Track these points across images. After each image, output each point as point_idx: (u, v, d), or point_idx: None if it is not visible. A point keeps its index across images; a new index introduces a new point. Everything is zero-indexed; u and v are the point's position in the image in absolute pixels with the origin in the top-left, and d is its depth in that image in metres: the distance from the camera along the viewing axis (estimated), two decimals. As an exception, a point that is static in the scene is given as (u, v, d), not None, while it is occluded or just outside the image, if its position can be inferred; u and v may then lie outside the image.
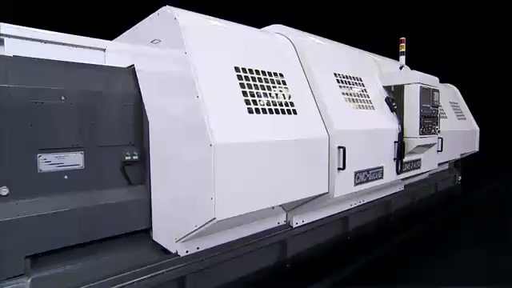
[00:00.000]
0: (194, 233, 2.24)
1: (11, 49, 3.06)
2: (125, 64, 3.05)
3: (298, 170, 2.52)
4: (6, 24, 3.02)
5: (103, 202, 2.59)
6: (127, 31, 3.11)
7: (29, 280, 2.18)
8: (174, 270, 2.31)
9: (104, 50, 3.59)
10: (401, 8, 9.16)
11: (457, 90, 6.38)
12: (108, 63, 3.50)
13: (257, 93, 2.41)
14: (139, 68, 2.78)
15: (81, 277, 2.21)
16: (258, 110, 2.34)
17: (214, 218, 2.01)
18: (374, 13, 9.30)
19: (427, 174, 4.96)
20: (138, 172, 2.83)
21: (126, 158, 2.74)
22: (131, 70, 2.89)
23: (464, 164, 6.85)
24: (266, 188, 2.29)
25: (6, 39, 3.03)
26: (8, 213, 2.18)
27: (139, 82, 2.78)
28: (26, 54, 2.72)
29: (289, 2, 8.92)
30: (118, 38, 3.30)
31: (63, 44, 3.35)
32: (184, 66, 2.14)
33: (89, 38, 3.50)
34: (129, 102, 2.78)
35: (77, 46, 3.43)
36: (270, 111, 2.43)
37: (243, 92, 2.31)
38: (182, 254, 2.40)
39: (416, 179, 4.92)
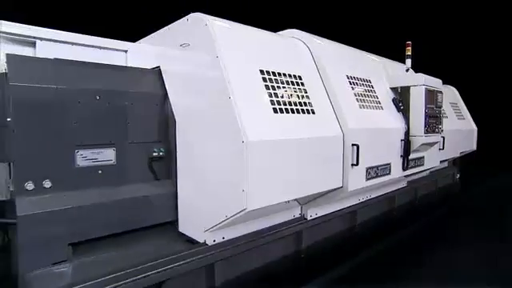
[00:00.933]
0: (223, 223, 2.43)
1: (42, 51, 3.21)
2: (146, 65, 3.21)
3: (317, 166, 2.72)
4: (37, 27, 3.17)
5: (133, 195, 2.76)
6: (152, 34, 3.28)
7: (71, 266, 2.35)
8: (203, 258, 2.50)
9: (126, 51, 3.75)
10: (401, 11, 9.40)
11: (456, 91, 6.63)
12: (129, 64, 3.67)
13: (280, 94, 2.60)
14: (165, 69, 2.96)
15: (115, 264, 2.37)
16: (281, 110, 2.53)
17: (245, 209, 2.20)
18: (374, 14, 9.54)
19: (428, 171, 5.20)
20: (163, 167, 3.01)
21: (154, 154, 2.93)
22: (157, 70, 3.06)
23: (462, 162, 7.12)
24: (289, 181, 2.49)
25: (37, 42, 3.19)
26: (51, 204, 2.35)
27: (165, 83, 2.96)
28: (55, 56, 2.89)
29: (296, 6, 9.12)
30: (141, 40, 3.47)
31: (88, 46, 3.51)
32: (216, 69, 2.33)
33: (112, 40, 3.65)
34: (156, 101, 2.96)
35: (100, 47, 3.59)
36: (292, 111, 2.63)
37: (268, 93, 2.51)
38: (210, 243, 2.59)
39: (417, 176, 5.15)
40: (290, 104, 2.64)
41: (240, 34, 2.69)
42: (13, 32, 3.02)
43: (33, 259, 2.21)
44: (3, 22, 2.98)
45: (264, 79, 2.54)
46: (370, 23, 9.19)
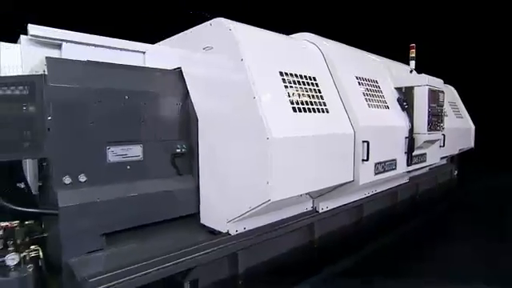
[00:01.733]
0: (246, 214, 2.63)
1: (67, 52, 3.37)
2: (164, 66, 3.37)
3: (331, 161, 2.93)
4: (62, 30, 3.32)
5: (158, 190, 2.94)
6: (172, 37, 3.45)
7: (105, 254, 2.53)
8: (228, 247, 2.69)
9: (144, 52, 3.92)
10: (400, 12, 9.65)
11: (454, 91, 6.88)
12: (147, 65, 3.84)
13: (297, 94, 2.80)
14: (187, 71, 3.13)
15: (145, 253, 2.55)
16: (299, 109, 2.73)
17: (269, 200, 2.40)
18: (374, 15, 9.77)
19: (428, 168, 5.43)
20: (185, 163, 3.19)
21: (177, 150, 3.11)
22: (178, 71, 3.24)
23: (459, 160, 7.38)
24: (307, 175, 2.69)
25: (63, 44, 3.34)
26: (86, 197, 2.53)
27: (187, 83, 3.14)
28: (79, 57, 3.05)
29: (303, 9, 9.32)
30: (161, 42, 3.64)
31: (109, 47, 3.66)
32: (241, 71, 2.51)
33: (131, 42, 3.82)
34: (178, 100, 3.14)
35: (120, 48, 3.75)
36: (308, 110, 2.82)
37: (287, 93, 2.70)
38: (233, 233, 2.78)
39: (418, 173, 5.39)
40: (306, 103, 2.84)
41: (260, 37, 2.88)
42: (41, 35, 3.18)
43: (72, 247, 2.38)
44: (32, 25, 3.15)
45: (283, 80, 2.74)
46: (370, 24, 9.42)
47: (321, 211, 3.47)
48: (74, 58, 2.97)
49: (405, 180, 5.02)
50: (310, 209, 3.49)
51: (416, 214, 5.03)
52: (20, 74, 3.19)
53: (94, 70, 2.75)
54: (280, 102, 2.61)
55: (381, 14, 9.62)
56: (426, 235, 4.15)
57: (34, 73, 3.02)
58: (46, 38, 3.22)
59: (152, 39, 3.78)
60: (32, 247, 2.07)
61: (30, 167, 3.07)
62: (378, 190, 4.34)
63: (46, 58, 2.58)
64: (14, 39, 3.36)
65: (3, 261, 1.86)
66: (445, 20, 9.97)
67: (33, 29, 3.13)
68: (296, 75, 2.89)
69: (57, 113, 2.46)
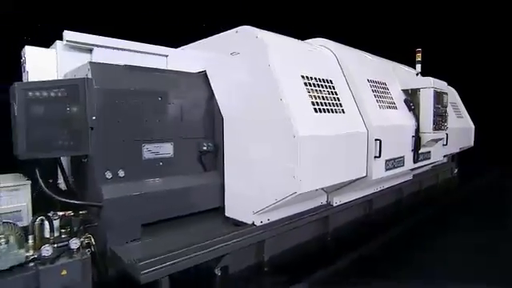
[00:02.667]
0: (271, 206, 2.87)
1: (97, 56, 3.59)
2: (186, 69, 3.57)
3: (348, 157, 3.17)
4: (94, 35, 3.54)
5: (186, 184, 3.16)
6: (195, 43, 3.68)
7: (143, 243, 2.75)
8: (254, 236, 2.92)
9: (166, 56, 4.14)
10: (402, 15, 9.95)
11: (455, 92, 7.16)
12: (170, 68, 4.06)
13: (317, 96, 3.04)
14: (212, 74, 3.36)
15: (178, 242, 2.76)
16: (320, 110, 2.97)
17: (296, 192, 2.64)
18: (376, 17, 10.06)
19: (430, 166, 5.71)
20: (210, 160, 3.42)
21: (203, 148, 3.34)
22: (203, 74, 3.46)
23: (459, 158, 7.68)
24: (327, 170, 2.94)
25: (95, 48, 3.56)
26: (125, 190, 2.75)
27: (212, 86, 3.37)
28: (108, 61, 3.26)
29: (313, 13, 9.59)
30: (184, 46, 3.86)
31: (135, 51, 3.88)
32: (268, 75, 2.75)
33: (154, 46, 4.04)
34: (205, 101, 3.37)
35: (145, 52, 3.97)
36: (328, 110, 3.07)
37: (309, 95, 2.95)
38: (258, 223, 3.02)
39: (421, 170, 5.65)
40: (325, 105, 3.08)
41: (282, 43, 3.12)
42: (75, 40, 3.42)
43: (115, 236, 2.61)
44: (67, 32, 3.37)
45: (305, 83, 2.98)
46: (374, 28, 9.71)
47: (335, 205, 3.72)
48: (104, 62, 3.20)
49: (409, 177, 5.29)
50: (324, 203, 3.73)
51: (420, 208, 5.29)
52: (55, 76, 3.43)
53: (131, 73, 2.97)
54: (303, 103, 2.85)
55: (385, 18, 9.91)
56: (430, 227, 4.40)
57: (69, 75, 3.25)
58: (79, 43, 3.45)
59: (151, 39, 3.92)
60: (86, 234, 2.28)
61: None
62: (386, 186, 4.60)
63: (90, 62, 2.79)
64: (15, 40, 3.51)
65: (67, 244, 2.08)
66: (444, 25, 10.28)
67: (68, 35, 3.36)
68: (315, 78, 3.14)
69: (100, 113, 2.68)
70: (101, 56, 3.62)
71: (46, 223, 2.21)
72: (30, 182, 2.81)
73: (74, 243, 2.09)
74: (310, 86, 3.03)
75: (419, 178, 5.69)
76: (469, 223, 4.58)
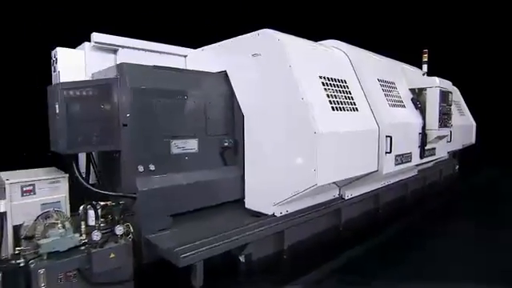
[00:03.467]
0: (292, 197, 3.07)
1: (122, 56, 3.77)
2: (204, 69, 3.75)
3: (361, 152, 3.39)
4: (119, 37, 3.72)
5: (210, 178, 3.37)
6: (215, 44, 3.86)
7: (173, 231, 2.95)
8: (275, 226, 3.13)
9: (185, 56, 4.34)
10: (405, 17, 10.20)
11: (458, 91, 7.37)
12: (188, 67, 4.25)
13: (333, 95, 3.25)
14: (233, 73, 3.56)
15: (206, 231, 2.96)
16: (336, 108, 3.18)
17: (316, 184, 2.85)
18: (383, 20, 10.29)
19: (434, 162, 5.93)
20: (230, 155, 3.62)
21: (225, 144, 3.54)
22: (223, 74, 3.66)
23: (460, 155, 7.91)
24: (343, 164, 3.15)
25: (120, 49, 3.75)
26: (156, 183, 2.95)
27: (233, 85, 3.56)
28: (132, 61, 3.44)
29: (319, 14, 9.78)
30: (204, 47, 4.05)
31: (155, 51, 4.07)
32: (289, 76, 2.95)
33: (174, 46, 4.23)
34: (226, 100, 3.57)
35: (165, 52, 4.16)
36: (343, 109, 3.28)
37: (326, 95, 3.15)
38: (278, 214, 3.23)
39: (425, 166, 5.87)
40: (340, 103, 3.29)
41: (301, 45, 3.32)
42: (101, 41, 3.61)
43: (149, 225, 2.81)
44: (95, 33, 3.55)
45: (322, 83, 3.18)
46: (379, 28, 9.95)
47: (346, 198, 3.93)
48: (128, 62, 3.39)
49: (414, 173, 5.51)
50: (337, 196, 3.95)
51: (424, 201, 5.53)
52: (83, 75, 3.62)
53: (160, 73, 3.16)
54: (321, 102, 3.05)
55: (391, 21, 10.18)
56: (434, 219, 4.65)
57: (98, 75, 3.43)
58: (106, 44, 3.65)
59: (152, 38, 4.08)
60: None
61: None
62: (392, 181, 4.82)
63: (124, 63, 2.98)
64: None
65: (113, 230, 2.29)
66: (445, 26, 10.54)
67: (96, 36, 3.55)
68: (331, 78, 3.34)
69: (133, 110, 2.87)
70: (125, 56, 3.82)
71: (91, 212, 2.41)
72: (67, 175, 3.01)
73: (119, 230, 2.30)
74: (327, 85, 3.23)
75: (423, 174, 5.91)
76: (468, 215, 4.83)
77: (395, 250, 3.58)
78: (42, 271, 1.97)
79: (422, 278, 3.00)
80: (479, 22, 10.56)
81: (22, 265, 1.95)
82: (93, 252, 2.14)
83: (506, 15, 10.21)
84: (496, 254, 3.44)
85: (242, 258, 3.07)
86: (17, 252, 2.10)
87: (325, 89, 3.17)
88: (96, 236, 2.20)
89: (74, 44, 3.81)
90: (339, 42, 4.01)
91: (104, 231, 2.33)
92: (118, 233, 2.29)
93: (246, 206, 3.53)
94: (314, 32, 4.38)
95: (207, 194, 3.33)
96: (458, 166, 7.85)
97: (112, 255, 2.21)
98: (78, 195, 3.19)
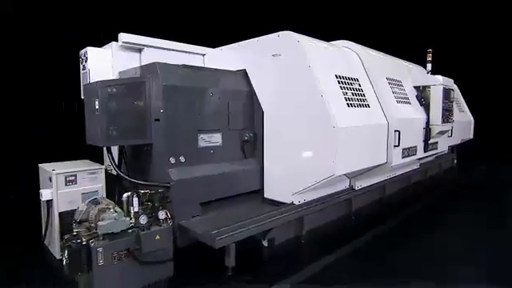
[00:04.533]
0: (311, 186, 3.34)
1: (146, 56, 3.99)
2: (222, 67, 3.96)
3: (372, 145, 3.66)
4: (144, 37, 3.94)
5: (232, 170, 3.62)
6: (234, 44, 4.09)
7: (204, 218, 3.21)
8: (294, 214, 3.40)
9: (204, 55, 4.56)
10: (403, 17, 10.52)
11: (456, 87, 7.67)
12: (206, 65, 4.47)
13: (348, 92, 3.51)
14: (252, 72, 3.79)
15: (231, 218, 3.20)
16: (351, 105, 3.44)
17: (334, 174, 3.12)
18: (384, 21, 10.62)
19: (434, 156, 6.24)
20: (250, 148, 3.88)
21: (245, 138, 3.79)
22: (243, 72, 3.89)
23: (458, 150, 8.25)
24: (357, 156, 3.43)
25: (144, 48, 3.96)
26: (187, 174, 3.20)
27: (252, 82, 3.80)
28: (155, 59, 3.67)
29: (322, 16, 10.02)
30: (223, 47, 4.28)
31: (176, 50, 4.29)
32: (309, 75, 3.20)
33: (193, 45, 4.45)
34: (246, 96, 3.81)
35: (185, 51, 4.37)
36: (356, 105, 3.54)
37: (342, 92, 3.41)
38: (297, 203, 3.49)
39: (426, 160, 6.18)
40: (354, 100, 3.55)
41: (318, 46, 3.57)
42: (128, 41, 3.82)
43: (182, 212, 3.06)
44: (123, 34, 3.77)
45: (338, 82, 3.44)
46: (381, 28, 10.27)
47: (357, 189, 4.21)
48: (151, 60, 3.62)
49: (417, 166, 5.81)
50: (347, 187, 4.22)
51: (426, 192, 5.86)
52: (111, 73, 3.83)
53: (188, 71, 3.40)
54: (338, 99, 3.31)
55: (394, 22, 10.53)
56: (436, 208, 4.98)
57: (124, 74, 3.65)
58: (132, 43, 3.86)
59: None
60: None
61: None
62: (397, 174, 5.11)
63: (157, 63, 3.20)
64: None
65: (156, 215, 2.54)
66: (444, 26, 10.91)
67: (124, 37, 3.77)
68: (345, 77, 3.60)
69: (165, 106, 3.10)
70: (149, 55, 4.04)
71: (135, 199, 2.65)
72: (104, 166, 3.25)
73: (162, 214, 2.55)
74: (342, 83, 3.49)
75: (425, 167, 6.21)
76: (467, 205, 5.15)
77: (402, 235, 3.88)
78: (100, 249, 2.22)
79: (424, 257, 3.31)
80: (477, 22, 10.91)
81: (84, 243, 2.19)
82: (142, 234, 2.38)
83: (504, 15, 10.56)
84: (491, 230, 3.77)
85: (265, 243, 3.33)
86: (74, 233, 2.33)
87: (340, 87, 3.43)
88: (143, 220, 2.44)
89: (75, 44, 4.05)
90: (350, 42, 4.26)
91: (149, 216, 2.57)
92: (160, 217, 2.53)
93: (265, 195, 3.79)
94: (321, 32, 4.62)
95: (230, 185, 3.58)
96: (455, 161, 8.19)
97: (157, 237, 2.46)
98: (110, 185, 3.46)
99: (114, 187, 3.48)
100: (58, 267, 2.95)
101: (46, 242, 3.29)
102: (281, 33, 3.48)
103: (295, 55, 3.33)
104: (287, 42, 3.41)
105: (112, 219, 2.28)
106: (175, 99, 3.20)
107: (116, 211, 2.36)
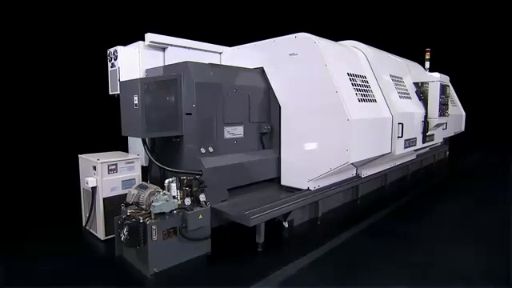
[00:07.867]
0: (325, 174, 3.72)
1: (169, 54, 4.27)
2: (238, 64, 4.29)
3: (379, 136, 4.06)
4: (167, 36, 4.21)
5: (253, 159, 3.96)
6: (251, 43, 4.40)
7: (232, 202, 3.55)
8: (311, 198, 3.78)
9: (220, 53, 4.86)
10: (401, 16, 10.96)
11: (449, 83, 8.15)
12: (223, 63, 4.77)
13: (358, 88, 3.88)
14: (270, 70, 4.13)
15: (258, 202, 3.57)
16: (361, 100, 3.82)
17: (348, 162, 3.50)
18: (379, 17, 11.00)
19: (428, 148, 6.70)
20: (267, 140, 4.23)
21: (264, 130, 4.14)
22: (260, 70, 4.22)
23: (450, 142, 8.77)
24: (367, 145, 3.82)
25: (168, 47, 4.24)
26: (215, 162, 3.53)
27: (269, 79, 4.14)
28: (177, 58, 3.98)
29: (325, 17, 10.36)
30: (240, 46, 4.59)
31: (195, 48, 4.58)
32: (325, 73, 3.56)
33: (211, 44, 4.74)
34: (264, 92, 4.15)
35: (204, 50, 4.66)
36: (365, 100, 3.92)
37: (354, 88, 3.78)
38: (312, 188, 3.87)
39: (422, 151, 6.64)
40: (363, 95, 3.93)
41: (332, 47, 3.92)
42: (154, 40, 4.10)
43: (212, 196, 3.39)
44: (149, 34, 4.04)
45: (350, 79, 3.81)
46: (380, 27, 10.70)
47: (363, 176, 4.61)
48: (173, 59, 3.92)
49: (414, 156, 6.26)
50: (354, 175, 4.62)
51: (423, 180, 6.33)
52: (138, 71, 4.10)
53: (214, 69, 3.71)
54: (351, 95, 3.68)
55: (393, 22, 10.97)
56: (433, 193, 5.44)
57: (152, 72, 3.94)
58: (158, 43, 4.14)
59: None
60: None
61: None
62: (398, 163, 5.54)
63: (189, 62, 3.50)
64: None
65: (197, 198, 2.88)
66: (443, 23, 11.41)
67: (150, 36, 4.04)
68: (355, 75, 3.97)
69: (196, 101, 3.42)
70: (171, 53, 4.33)
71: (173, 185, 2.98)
72: (139, 156, 3.55)
73: (202, 197, 2.89)
74: (353, 80, 3.86)
75: (421, 158, 6.68)
76: (460, 190, 5.63)
77: (403, 217, 4.30)
78: (154, 227, 2.55)
79: (421, 235, 3.73)
80: (474, 21, 11.44)
81: (141, 221, 2.52)
82: (188, 213, 2.72)
83: (489, 18, 11.10)
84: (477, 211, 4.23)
85: (285, 224, 3.72)
86: (129, 214, 2.65)
87: (351, 83, 3.80)
88: (187, 202, 2.78)
89: (73, 44, 4.29)
90: (357, 42, 4.63)
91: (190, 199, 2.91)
92: (201, 199, 2.87)
93: (282, 182, 4.15)
94: (321, 32, 4.97)
95: (251, 173, 3.93)
96: (448, 152, 8.71)
97: (200, 216, 2.80)
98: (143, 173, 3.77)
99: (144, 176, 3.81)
100: (103, 247, 3.27)
101: (87, 227, 3.58)
102: (298, 34, 3.82)
103: (312, 55, 3.68)
104: (304, 43, 3.75)
105: (164, 200, 2.61)
106: (205, 95, 3.52)
107: (166, 194, 2.69)
